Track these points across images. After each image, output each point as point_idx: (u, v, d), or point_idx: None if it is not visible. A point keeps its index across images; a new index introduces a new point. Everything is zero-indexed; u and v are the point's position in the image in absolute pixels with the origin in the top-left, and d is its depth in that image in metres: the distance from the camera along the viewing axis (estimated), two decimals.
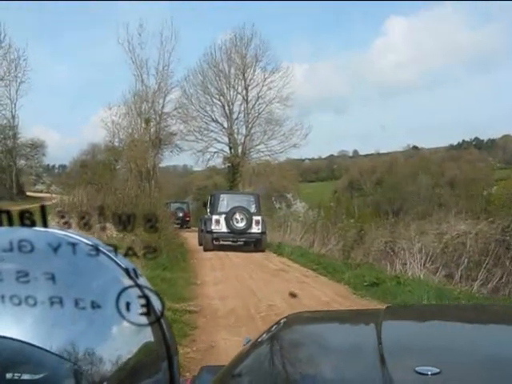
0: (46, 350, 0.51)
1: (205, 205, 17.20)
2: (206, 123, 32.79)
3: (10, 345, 0.50)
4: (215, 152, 32.81)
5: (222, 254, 14.59)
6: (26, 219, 0.55)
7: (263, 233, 15.50)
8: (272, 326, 1.09)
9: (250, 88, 32.97)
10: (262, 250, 15.31)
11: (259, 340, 1.03)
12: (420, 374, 0.71)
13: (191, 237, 18.24)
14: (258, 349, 1.01)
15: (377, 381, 0.74)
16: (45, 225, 0.57)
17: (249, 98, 33.03)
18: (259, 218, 15.51)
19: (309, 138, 31.24)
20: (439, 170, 30.80)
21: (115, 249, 0.59)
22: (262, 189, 28.94)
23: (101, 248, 0.59)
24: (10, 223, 0.55)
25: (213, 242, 15.32)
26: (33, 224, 0.56)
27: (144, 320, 0.57)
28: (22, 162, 33.22)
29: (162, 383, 0.60)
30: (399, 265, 10.69)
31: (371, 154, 46.13)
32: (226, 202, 15.80)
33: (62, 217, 0.57)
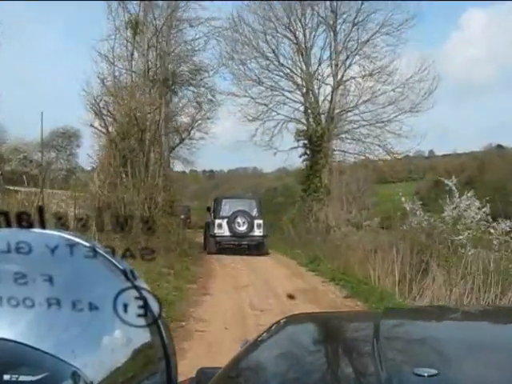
0: (44, 352, 0.51)
1: (208, 209, 17.33)
2: (268, 71, 19.30)
3: (8, 346, 0.50)
4: (282, 121, 19.62)
5: None
6: (24, 221, 0.55)
7: (265, 236, 15.71)
8: (270, 328, 1.09)
9: (339, 11, 18.41)
10: (266, 253, 15.38)
11: (257, 341, 1.03)
12: (418, 375, 0.71)
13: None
14: (256, 350, 1.01)
15: (375, 382, 0.74)
16: (42, 226, 0.57)
17: (338, 28, 18.75)
18: (261, 221, 15.74)
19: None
20: None
21: (113, 250, 0.60)
22: (362, 180, 19.88)
23: (98, 250, 0.59)
24: (8, 224, 0.55)
25: (216, 246, 15.48)
26: (30, 225, 0.56)
27: (141, 321, 0.58)
28: (52, 155, 25.65)
29: None
30: None
31: (449, 155, 40.94)
32: (228, 206, 15.97)
33: (60, 218, 0.57)
